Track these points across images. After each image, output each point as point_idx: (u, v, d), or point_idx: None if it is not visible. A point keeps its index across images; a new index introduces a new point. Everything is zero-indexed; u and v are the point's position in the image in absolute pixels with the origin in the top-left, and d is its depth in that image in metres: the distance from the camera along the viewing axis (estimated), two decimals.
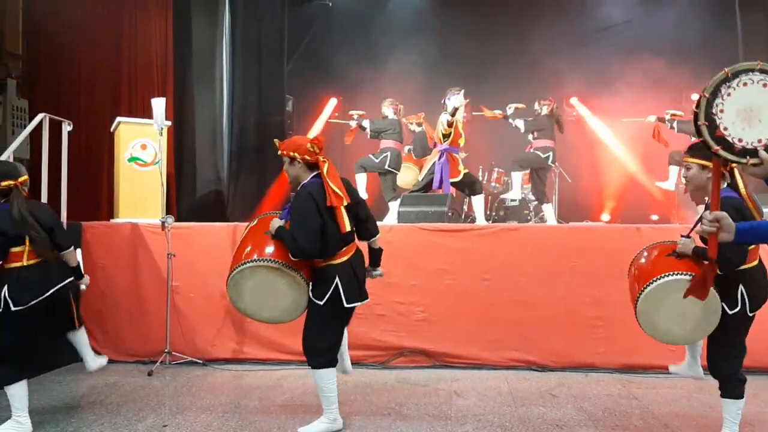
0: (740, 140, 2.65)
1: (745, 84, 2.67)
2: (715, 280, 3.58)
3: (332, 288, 4.00)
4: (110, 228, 6.47)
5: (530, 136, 8.43)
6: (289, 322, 4.25)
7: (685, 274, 3.60)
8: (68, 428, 4.31)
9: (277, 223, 4.05)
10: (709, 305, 3.57)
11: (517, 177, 8.58)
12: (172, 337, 5.99)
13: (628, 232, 5.87)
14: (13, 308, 4.02)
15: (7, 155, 5.61)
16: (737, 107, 2.66)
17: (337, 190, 3.97)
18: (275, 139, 4.33)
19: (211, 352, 6.12)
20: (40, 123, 5.99)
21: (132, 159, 6.98)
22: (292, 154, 4.08)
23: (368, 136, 8.68)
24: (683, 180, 3.92)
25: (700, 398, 4.91)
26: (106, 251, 6.23)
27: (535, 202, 9.20)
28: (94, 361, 4.67)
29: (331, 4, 11.76)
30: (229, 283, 4.08)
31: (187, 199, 9.26)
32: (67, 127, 6.24)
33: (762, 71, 2.68)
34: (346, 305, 4.04)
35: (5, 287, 4.05)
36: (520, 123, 8.35)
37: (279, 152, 4.13)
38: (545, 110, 8.41)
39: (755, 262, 3.59)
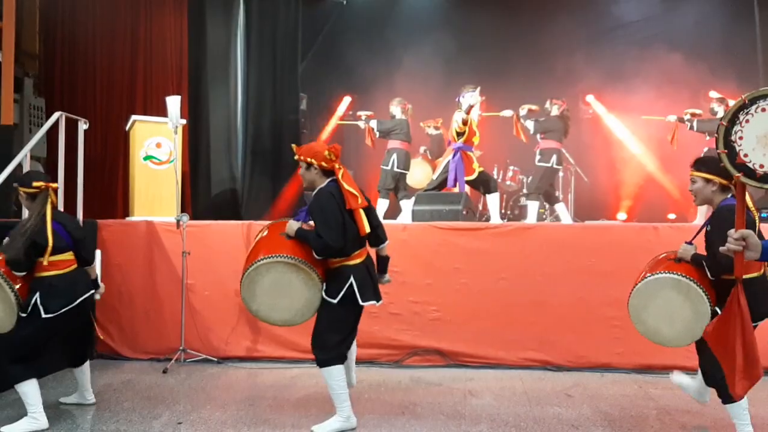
0: (762, 166, 2.62)
1: (763, 110, 2.62)
2: (712, 286, 3.56)
3: (347, 286, 4.02)
4: (126, 226, 6.51)
5: (538, 136, 8.36)
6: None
7: (674, 274, 3.62)
8: (84, 425, 4.33)
9: (294, 225, 4.08)
10: (697, 307, 3.53)
11: (534, 207, 8.29)
12: (187, 335, 6.02)
13: (645, 231, 5.82)
14: (43, 315, 4.11)
15: (24, 153, 5.65)
16: (756, 133, 2.62)
17: (354, 192, 4.04)
18: (292, 144, 4.37)
19: (225, 350, 6.13)
20: (57, 121, 6.04)
21: (147, 157, 7.02)
22: (309, 160, 4.12)
23: (376, 136, 8.67)
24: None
25: (718, 399, 4.84)
26: (121, 249, 6.25)
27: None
28: (90, 397, 4.75)
29: (345, 2, 11.72)
30: (243, 281, 4.07)
31: (202, 197, 9.30)
32: (83, 126, 6.27)
33: None
34: (361, 303, 4.07)
35: (37, 294, 4.14)
36: (530, 124, 8.28)
37: (296, 157, 4.16)
38: (556, 110, 8.28)
39: (756, 273, 3.53)
